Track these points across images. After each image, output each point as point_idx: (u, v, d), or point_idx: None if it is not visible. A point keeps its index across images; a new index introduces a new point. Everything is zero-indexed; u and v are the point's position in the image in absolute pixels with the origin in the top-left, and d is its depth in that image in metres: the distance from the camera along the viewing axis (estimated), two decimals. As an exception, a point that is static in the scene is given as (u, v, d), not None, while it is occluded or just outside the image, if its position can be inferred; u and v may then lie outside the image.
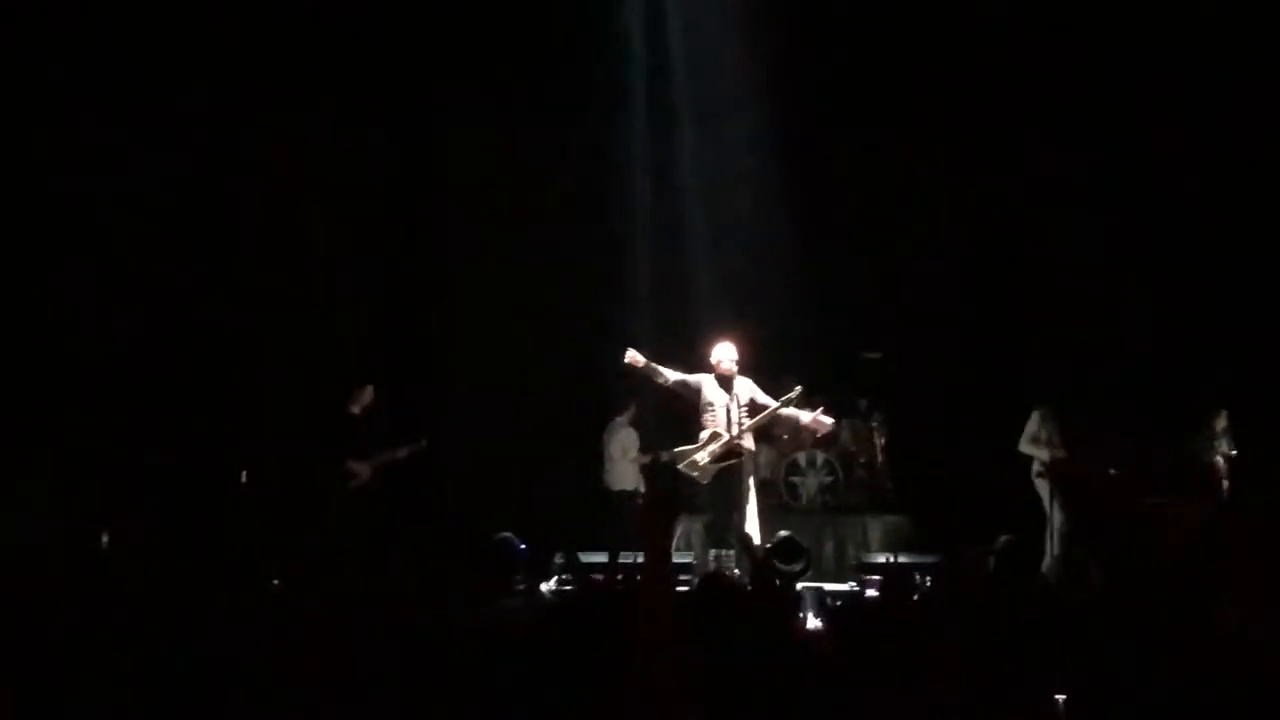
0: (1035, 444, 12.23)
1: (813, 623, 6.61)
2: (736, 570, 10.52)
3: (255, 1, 13.15)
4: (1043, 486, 12.11)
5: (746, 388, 11.10)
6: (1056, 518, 11.84)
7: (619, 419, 13.22)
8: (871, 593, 9.52)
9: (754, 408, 11.10)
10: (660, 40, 14.19)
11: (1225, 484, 11.98)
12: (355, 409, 11.92)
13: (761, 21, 13.50)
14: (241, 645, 5.37)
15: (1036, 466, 12.16)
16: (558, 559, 10.96)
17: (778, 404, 11.51)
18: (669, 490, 11.21)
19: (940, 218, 14.26)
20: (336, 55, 13.43)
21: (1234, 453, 12.00)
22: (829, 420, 11.17)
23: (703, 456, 11.14)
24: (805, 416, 11.12)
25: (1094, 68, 13.43)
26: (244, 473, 12.11)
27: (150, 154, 12.96)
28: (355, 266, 13.98)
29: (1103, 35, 13.25)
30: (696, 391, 11.12)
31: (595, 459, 13.26)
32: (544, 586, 10.17)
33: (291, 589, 7.64)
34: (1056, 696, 5.13)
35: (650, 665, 4.80)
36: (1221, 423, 12.04)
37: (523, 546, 10.66)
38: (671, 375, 11.06)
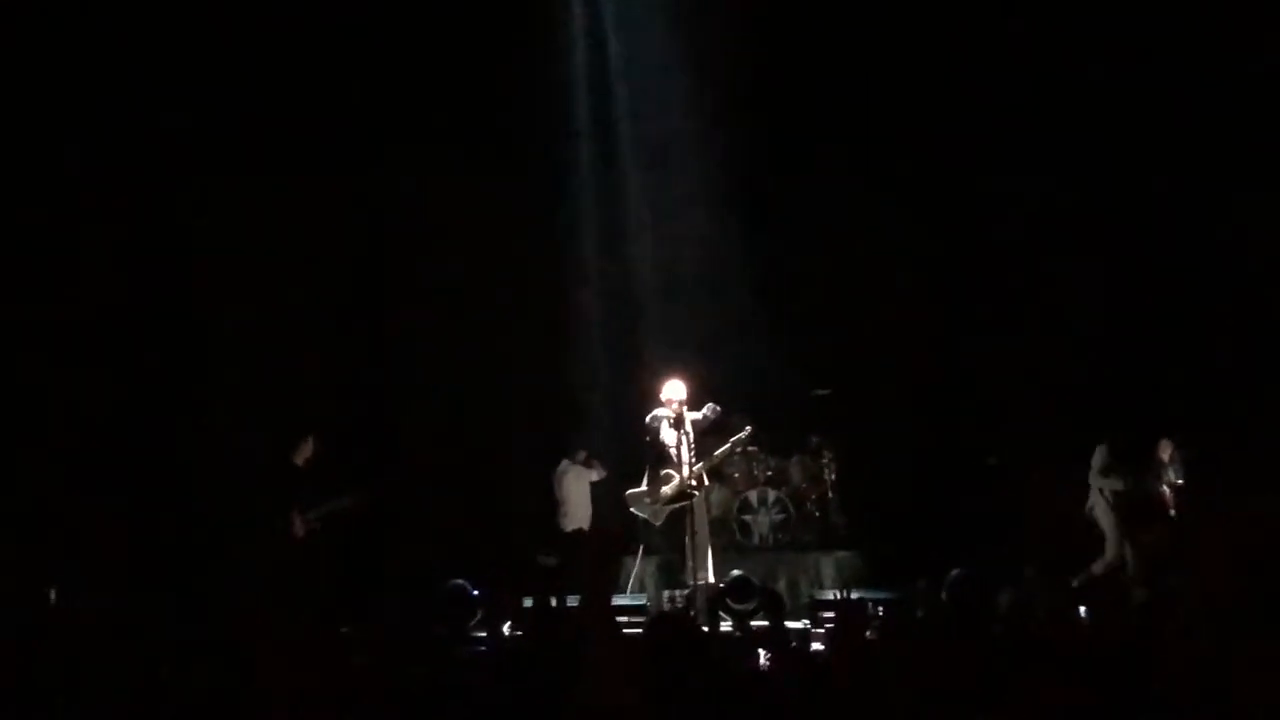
0: (1105, 476, 12.08)
1: (764, 660, 6.61)
2: (691, 611, 10.49)
3: (205, 45, 13.13)
4: (1105, 517, 12.02)
5: (691, 421, 11.18)
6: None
7: (568, 461, 13.21)
8: (818, 644, 9.43)
9: (702, 441, 11.22)
10: (607, 87, 14.23)
11: (1173, 512, 12.04)
12: (298, 460, 11.83)
13: (709, 66, 13.57)
14: (194, 695, 5.31)
15: (1105, 498, 12.04)
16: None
17: (729, 445, 11.60)
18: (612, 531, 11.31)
19: (890, 256, 14.30)
20: (292, 105, 13.42)
21: (1180, 481, 12.08)
22: (714, 409, 11.23)
23: (656, 497, 11.18)
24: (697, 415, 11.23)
25: (1040, 119, 13.57)
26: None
27: (111, 198, 12.95)
28: (309, 316, 13.87)
29: (1052, 88, 13.42)
30: (655, 433, 11.23)
31: (550, 502, 13.24)
32: (504, 629, 10.15)
33: (245, 639, 7.57)
34: None
35: (610, 701, 4.80)
36: (1166, 452, 12.11)
37: (476, 592, 10.66)
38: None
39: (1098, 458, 12.03)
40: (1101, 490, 11.94)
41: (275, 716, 5.20)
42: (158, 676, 5.67)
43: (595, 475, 13.17)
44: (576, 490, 13.15)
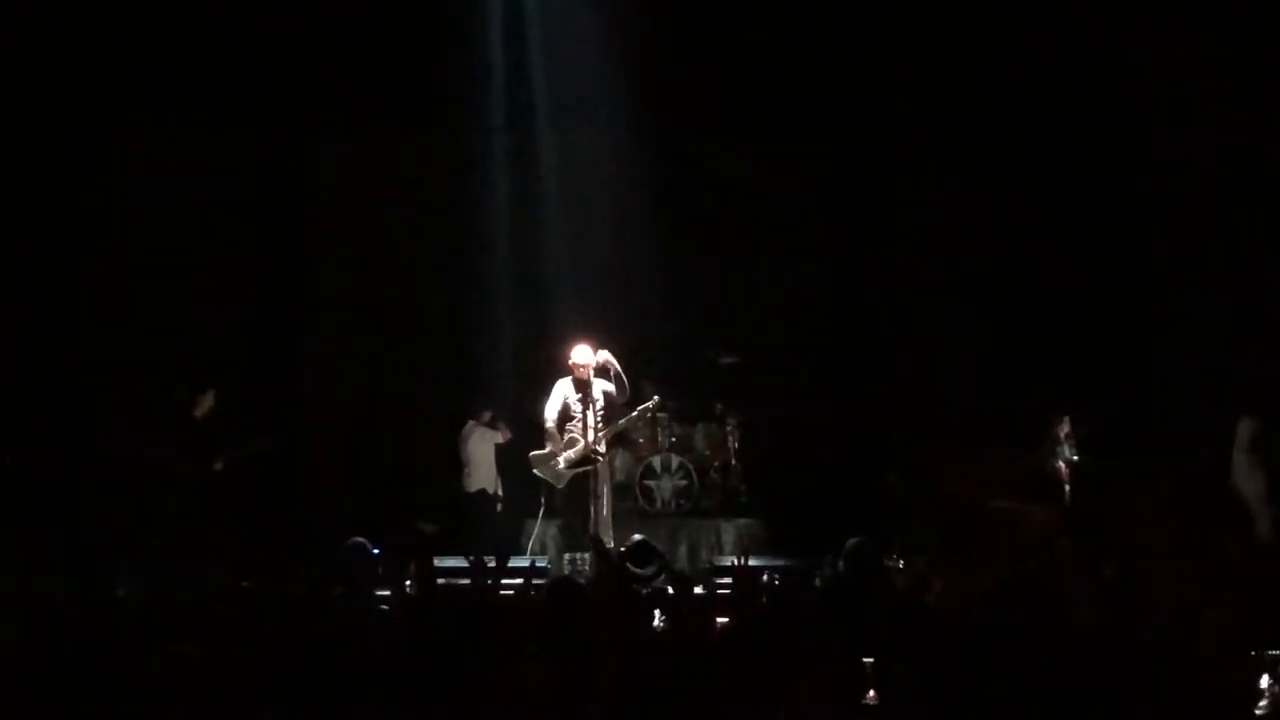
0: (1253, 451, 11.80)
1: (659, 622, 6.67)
2: (590, 573, 10.54)
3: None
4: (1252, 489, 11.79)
5: (601, 389, 11.23)
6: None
7: (474, 422, 13.22)
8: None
9: (610, 408, 11.26)
10: (521, 46, 14.13)
11: (1068, 489, 12.25)
12: (197, 413, 11.70)
13: (623, 27, 13.51)
14: (92, 653, 5.26)
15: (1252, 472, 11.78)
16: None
17: (635, 413, 11.69)
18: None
19: (800, 225, 14.39)
20: (200, 59, 13.23)
21: (1076, 458, 12.29)
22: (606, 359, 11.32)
23: (559, 460, 11.23)
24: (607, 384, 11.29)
25: (957, 90, 13.71)
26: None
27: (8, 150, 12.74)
28: (217, 268, 13.69)
29: (971, 62, 13.54)
30: (560, 398, 11.26)
31: (454, 462, 13.24)
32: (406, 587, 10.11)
33: (143, 595, 7.52)
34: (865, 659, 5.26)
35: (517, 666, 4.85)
36: (1064, 429, 12.32)
37: (376, 551, 10.61)
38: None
39: (1244, 431, 11.86)
40: (1248, 464, 11.77)
41: (177, 671, 5.17)
42: (51, 628, 5.61)
43: (501, 438, 13.19)
44: (481, 452, 13.17)
